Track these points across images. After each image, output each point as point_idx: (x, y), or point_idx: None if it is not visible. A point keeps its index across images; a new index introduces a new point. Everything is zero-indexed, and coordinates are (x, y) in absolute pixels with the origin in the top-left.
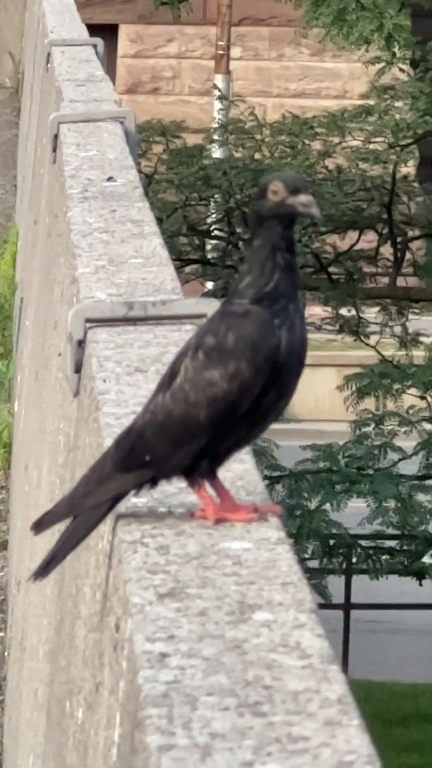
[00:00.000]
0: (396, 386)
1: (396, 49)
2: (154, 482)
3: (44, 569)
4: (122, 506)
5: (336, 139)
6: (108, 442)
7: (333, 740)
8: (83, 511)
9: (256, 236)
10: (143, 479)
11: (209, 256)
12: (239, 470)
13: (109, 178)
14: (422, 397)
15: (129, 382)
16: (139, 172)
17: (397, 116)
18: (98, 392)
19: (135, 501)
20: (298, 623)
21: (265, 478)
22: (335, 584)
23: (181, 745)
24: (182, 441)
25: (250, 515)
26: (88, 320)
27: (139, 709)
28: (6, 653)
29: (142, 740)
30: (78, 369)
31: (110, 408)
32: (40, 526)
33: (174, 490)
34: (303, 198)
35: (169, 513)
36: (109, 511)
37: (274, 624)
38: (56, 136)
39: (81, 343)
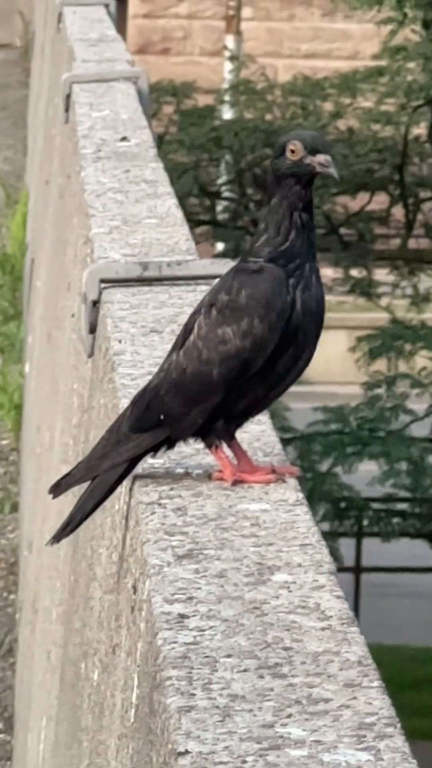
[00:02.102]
0: (408, 347)
1: (408, 10)
2: (171, 443)
3: (62, 532)
4: (139, 468)
5: (348, 100)
6: (123, 402)
7: (353, 702)
8: (100, 473)
9: (273, 195)
10: (159, 439)
11: (220, 217)
12: (256, 431)
13: (123, 138)
14: None
15: (144, 342)
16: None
17: (409, 77)
18: (113, 353)
19: (152, 462)
20: (317, 584)
21: None
22: (346, 547)
23: (201, 706)
24: (196, 399)
25: (267, 476)
26: (102, 281)
27: (158, 670)
28: (17, 615)
29: (161, 701)
30: (92, 330)
31: (125, 369)
32: (57, 488)
33: (191, 452)
34: (321, 158)
35: (186, 474)
36: (127, 473)
37: (293, 585)
38: (69, 96)
39: (95, 304)
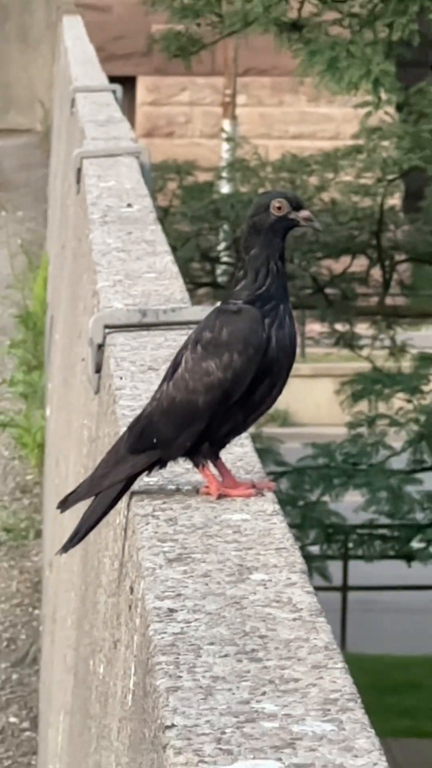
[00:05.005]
0: (386, 391)
1: (382, 94)
2: (163, 463)
3: (69, 543)
4: (136, 485)
5: (330, 175)
6: (124, 431)
7: (320, 681)
8: (102, 490)
9: (253, 245)
10: (153, 460)
11: (219, 279)
12: (239, 452)
13: (128, 205)
14: (409, 401)
15: (142, 378)
16: (153, 200)
17: (384, 154)
18: (115, 388)
19: (147, 480)
20: (290, 582)
21: (270, 473)
22: (334, 568)
23: (186, 686)
24: (184, 424)
25: (248, 491)
26: (106, 326)
27: (150, 657)
28: (41, 628)
29: (152, 684)
30: (98, 369)
31: (126, 401)
32: (64, 504)
33: (181, 470)
34: (305, 213)
35: (177, 490)
36: (126, 489)
37: (269, 583)
38: (80, 170)
39: (100, 347)
